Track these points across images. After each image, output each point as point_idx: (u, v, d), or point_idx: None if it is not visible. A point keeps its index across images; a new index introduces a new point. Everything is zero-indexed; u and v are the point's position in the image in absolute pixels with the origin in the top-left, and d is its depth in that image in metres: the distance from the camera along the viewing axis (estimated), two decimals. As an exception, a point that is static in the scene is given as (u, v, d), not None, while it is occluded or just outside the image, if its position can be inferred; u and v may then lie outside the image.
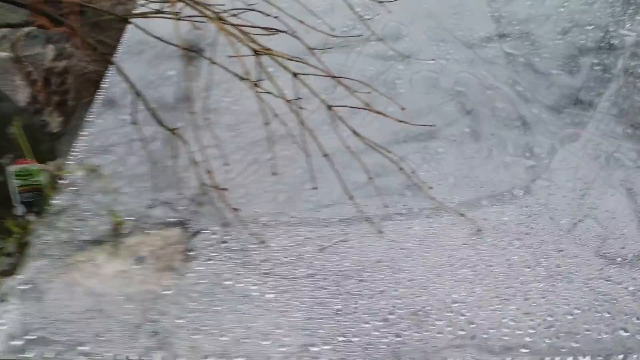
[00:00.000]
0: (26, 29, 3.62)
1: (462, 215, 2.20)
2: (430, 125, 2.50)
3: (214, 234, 2.11)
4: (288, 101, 2.16)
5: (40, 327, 1.83)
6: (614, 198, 2.29)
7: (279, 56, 1.98)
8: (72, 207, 2.18)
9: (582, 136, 2.51)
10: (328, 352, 1.82)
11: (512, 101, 2.67)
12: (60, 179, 2.29)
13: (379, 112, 2.16)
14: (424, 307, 1.94)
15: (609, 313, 1.95)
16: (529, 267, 2.07)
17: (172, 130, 2.19)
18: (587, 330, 1.90)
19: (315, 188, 2.25)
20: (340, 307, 1.94)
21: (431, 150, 2.45)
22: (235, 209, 2.13)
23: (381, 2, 2.82)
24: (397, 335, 1.87)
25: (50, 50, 3.54)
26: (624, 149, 2.46)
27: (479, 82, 2.75)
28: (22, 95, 3.46)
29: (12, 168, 2.23)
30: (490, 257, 2.10)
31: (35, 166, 2.25)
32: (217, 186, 2.15)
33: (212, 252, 2.05)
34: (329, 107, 2.12)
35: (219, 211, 2.16)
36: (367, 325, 1.89)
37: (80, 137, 2.48)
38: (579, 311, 1.95)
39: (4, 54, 3.42)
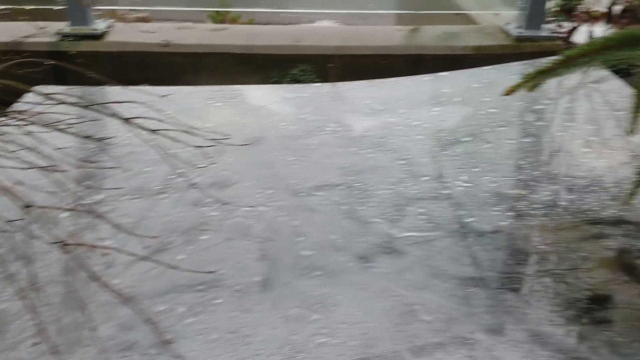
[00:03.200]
0: None
1: None
2: (210, 272, 2.26)
3: None
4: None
5: None
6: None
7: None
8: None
9: (380, 286, 2.24)
10: None
11: (321, 249, 2.45)
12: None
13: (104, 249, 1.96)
14: None
15: None
16: None
17: None
18: None
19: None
20: None
21: (205, 301, 2.19)
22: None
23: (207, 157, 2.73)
24: None
25: None
26: (425, 301, 2.16)
27: (292, 229, 2.57)
28: None
29: None
30: None
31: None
32: None
33: None
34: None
35: None
36: None
37: None
38: None
39: None
